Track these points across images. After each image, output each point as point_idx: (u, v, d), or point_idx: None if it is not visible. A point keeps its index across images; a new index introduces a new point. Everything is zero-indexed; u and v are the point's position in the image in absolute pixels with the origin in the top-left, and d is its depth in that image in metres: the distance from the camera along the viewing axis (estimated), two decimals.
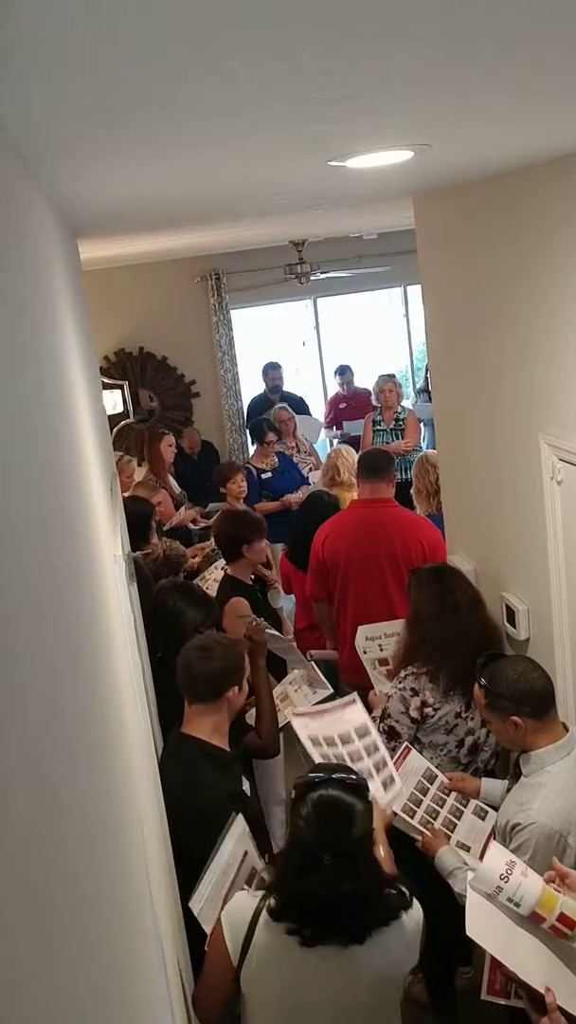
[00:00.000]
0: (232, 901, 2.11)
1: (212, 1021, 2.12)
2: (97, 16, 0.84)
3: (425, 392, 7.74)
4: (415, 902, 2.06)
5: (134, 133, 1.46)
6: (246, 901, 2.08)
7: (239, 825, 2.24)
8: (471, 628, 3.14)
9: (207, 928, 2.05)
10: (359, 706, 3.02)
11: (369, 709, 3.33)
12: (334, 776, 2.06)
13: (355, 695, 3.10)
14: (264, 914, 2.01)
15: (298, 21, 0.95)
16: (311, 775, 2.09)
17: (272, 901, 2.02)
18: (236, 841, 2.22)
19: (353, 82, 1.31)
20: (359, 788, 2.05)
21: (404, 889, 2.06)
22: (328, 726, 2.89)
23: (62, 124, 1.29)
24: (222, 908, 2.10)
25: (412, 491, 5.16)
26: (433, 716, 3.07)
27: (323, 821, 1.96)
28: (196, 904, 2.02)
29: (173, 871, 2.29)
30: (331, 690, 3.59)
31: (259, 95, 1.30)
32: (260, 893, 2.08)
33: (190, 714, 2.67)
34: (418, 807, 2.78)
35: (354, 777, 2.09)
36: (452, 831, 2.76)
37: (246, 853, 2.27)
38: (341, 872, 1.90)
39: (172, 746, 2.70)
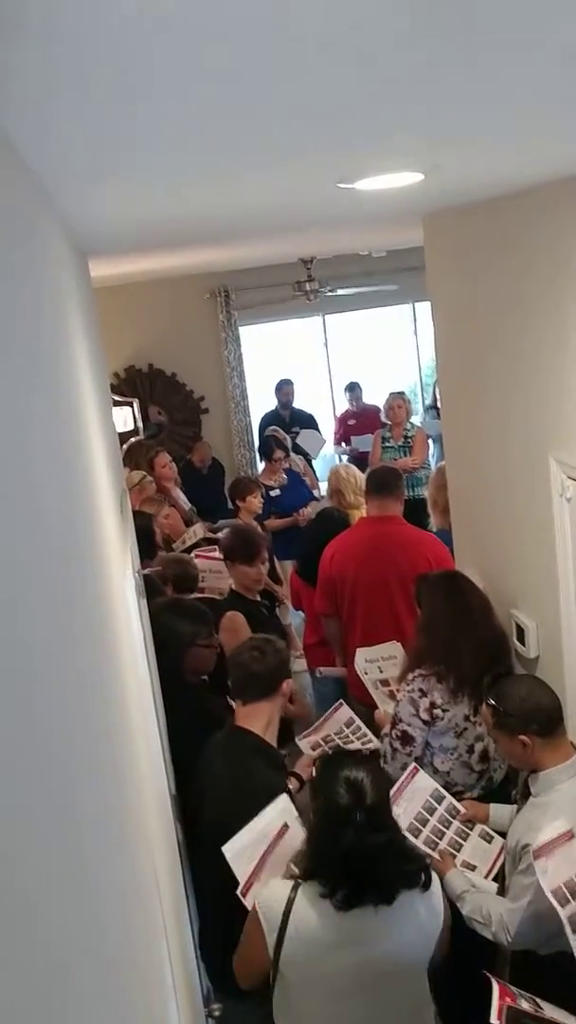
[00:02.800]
0: (266, 889, 2.25)
1: (251, 985, 2.33)
2: (108, 46, 0.85)
3: (434, 408, 7.76)
4: (432, 874, 2.28)
5: (145, 157, 1.48)
6: (280, 889, 2.21)
7: (283, 800, 2.44)
8: (481, 631, 3.15)
9: (238, 874, 2.26)
10: (344, 707, 3.46)
11: (376, 729, 3.34)
12: (351, 749, 2.37)
13: (340, 702, 3.51)
14: (299, 896, 2.17)
15: (307, 44, 0.97)
16: (331, 752, 2.38)
17: (305, 864, 2.22)
18: (279, 812, 2.39)
19: (363, 106, 1.32)
20: (372, 758, 2.37)
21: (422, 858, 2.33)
22: (324, 730, 3.35)
23: (76, 152, 1.31)
24: (257, 877, 2.28)
25: (429, 504, 5.16)
26: (443, 718, 3.06)
27: (350, 786, 2.18)
28: (228, 850, 2.23)
29: (183, 894, 2.29)
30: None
31: (268, 118, 1.32)
32: (292, 882, 2.22)
33: (245, 712, 2.83)
34: (424, 826, 2.77)
35: (367, 750, 2.38)
36: (457, 851, 2.76)
37: (286, 827, 2.41)
38: (372, 825, 2.14)
39: (226, 739, 2.84)
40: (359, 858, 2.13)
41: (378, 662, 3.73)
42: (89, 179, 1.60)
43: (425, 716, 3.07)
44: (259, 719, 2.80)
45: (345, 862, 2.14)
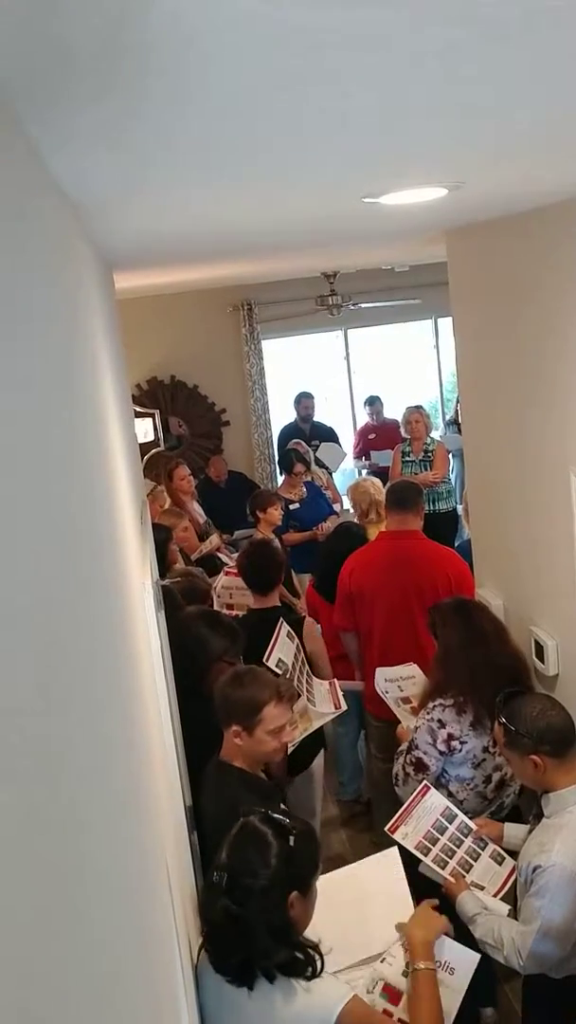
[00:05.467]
0: None
1: None
2: (133, 72, 0.86)
3: (455, 423, 7.73)
4: (333, 993, 1.93)
5: (172, 178, 1.49)
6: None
7: None
8: (499, 659, 3.12)
9: None
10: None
11: (397, 743, 3.32)
12: (266, 812, 2.08)
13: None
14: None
15: (334, 62, 0.97)
16: (249, 808, 2.12)
17: None
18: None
19: (388, 122, 1.33)
20: (283, 828, 2.03)
21: (317, 962, 1.95)
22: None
23: (110, 182, 1.33)
24: None
25: (462, 513, 5.13)
26: (460, 750, 3.04)
27: (236, 846, 1.99)
28: None
29: (196, 900, 2.28)
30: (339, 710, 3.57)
31: (295, 135, 1.32)
32: None
33: (227, 740, 2.72)
34: (433, 845, 2.74)
35: (286, 820, 2.06)
36: (467, 871, 2.72)
37: None
38: (228, 893, 1.91)
39: (212, 772, 2.72)
40: (208, 920, 1.98)
41: (397, 681, 3.70)
42: (117, 199, 1.62)
43: (442, 747, 3.05)
44: (238, 750, 2.68)
45: (204, 923, 2.01)
